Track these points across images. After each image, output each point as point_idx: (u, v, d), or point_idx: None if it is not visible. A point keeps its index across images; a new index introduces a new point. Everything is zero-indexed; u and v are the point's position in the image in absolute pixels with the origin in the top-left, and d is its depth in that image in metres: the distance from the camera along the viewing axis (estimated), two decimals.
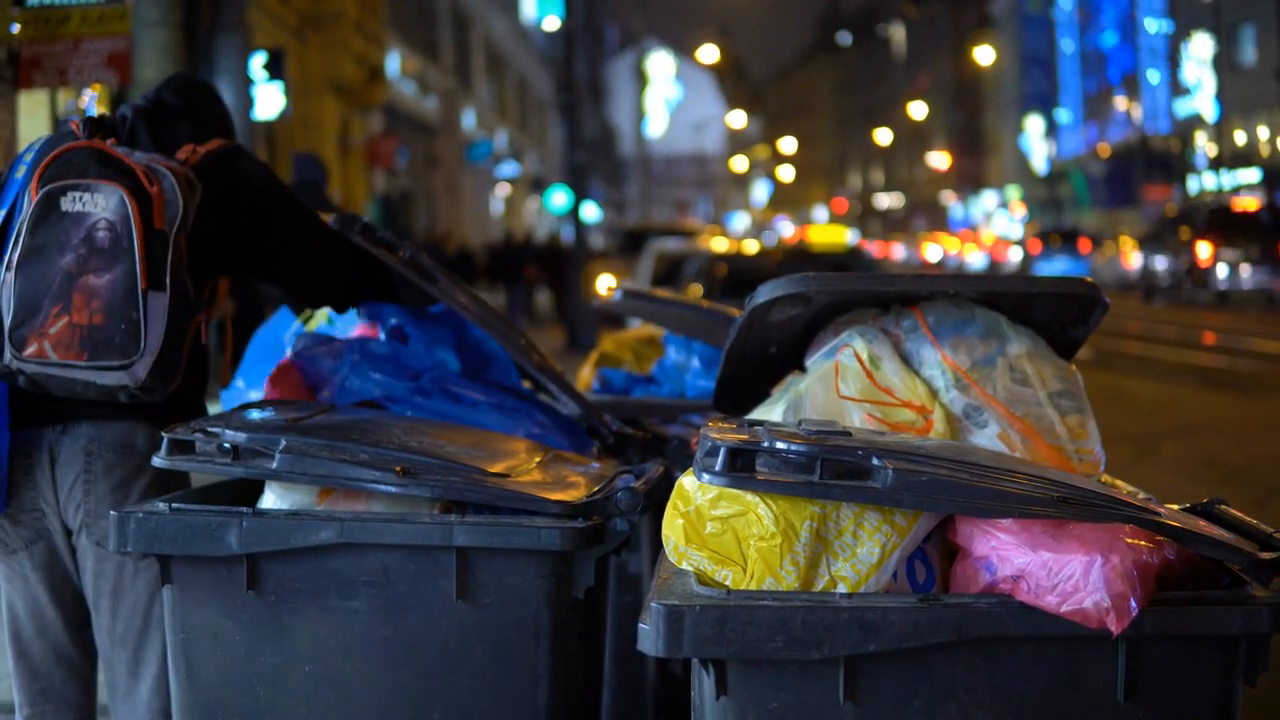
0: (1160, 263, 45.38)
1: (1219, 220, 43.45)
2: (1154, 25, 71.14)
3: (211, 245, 4.49)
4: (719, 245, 33.48)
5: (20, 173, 4.37)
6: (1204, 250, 42.02)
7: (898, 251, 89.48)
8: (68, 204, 4.19)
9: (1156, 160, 70.01)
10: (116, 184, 4.16)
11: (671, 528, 3.50)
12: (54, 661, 4.48)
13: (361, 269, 4.83)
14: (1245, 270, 41.41)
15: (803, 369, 4.38)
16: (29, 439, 4.37)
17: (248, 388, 5.94)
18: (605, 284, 28.67)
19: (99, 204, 4.14)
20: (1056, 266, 54.48)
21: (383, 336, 4.88)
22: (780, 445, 3.38)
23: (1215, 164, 61.31)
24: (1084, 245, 58.13)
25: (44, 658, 4.48)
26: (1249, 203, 46.01)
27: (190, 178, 4.36)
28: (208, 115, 4.73)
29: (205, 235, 4.44)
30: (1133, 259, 50.57)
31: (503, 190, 60.88)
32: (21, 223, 4.23)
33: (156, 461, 4.19)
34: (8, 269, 4.21)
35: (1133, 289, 47.65)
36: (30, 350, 4.19)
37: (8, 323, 4.22)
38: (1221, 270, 41.83)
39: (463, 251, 40.23)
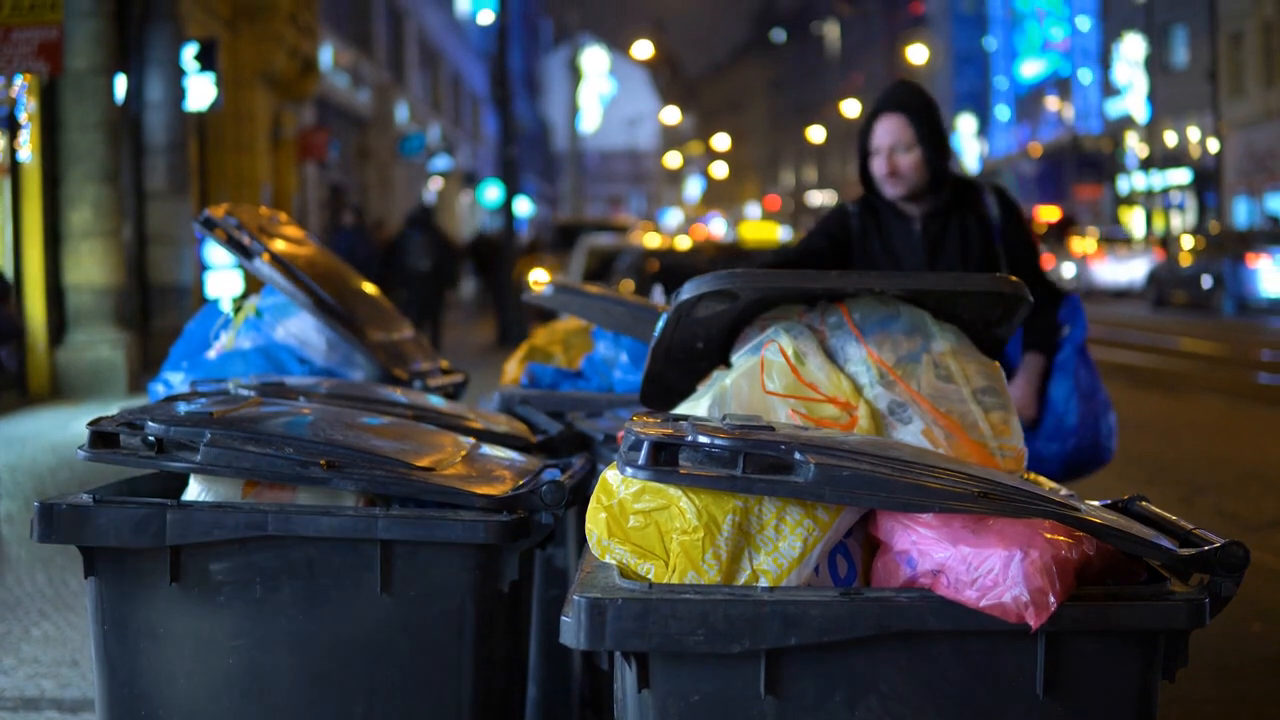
0: None
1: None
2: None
3: None
4: (651, 241, 33.53)
5: None
6: None
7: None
8: None
9: (1087, 160, 70.48)
10: None
11: (595, 521, 3.51)
12: None
13: None
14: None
15: (729, 364, 4.39)
16: None
17: (175, 380, 5.92)
18: (536, 278, 28.64)
19: None
20: None
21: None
22: (703, 440, 3.39)
23: (1146, 164, 61.80)
24: None
25: None
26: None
27: None
28: None
29: None
30: None
31: (436, 184, 60.68)
32: None
33: (81, 455, 4.20)
34: None
35: None
36: None
37: None
38: None
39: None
